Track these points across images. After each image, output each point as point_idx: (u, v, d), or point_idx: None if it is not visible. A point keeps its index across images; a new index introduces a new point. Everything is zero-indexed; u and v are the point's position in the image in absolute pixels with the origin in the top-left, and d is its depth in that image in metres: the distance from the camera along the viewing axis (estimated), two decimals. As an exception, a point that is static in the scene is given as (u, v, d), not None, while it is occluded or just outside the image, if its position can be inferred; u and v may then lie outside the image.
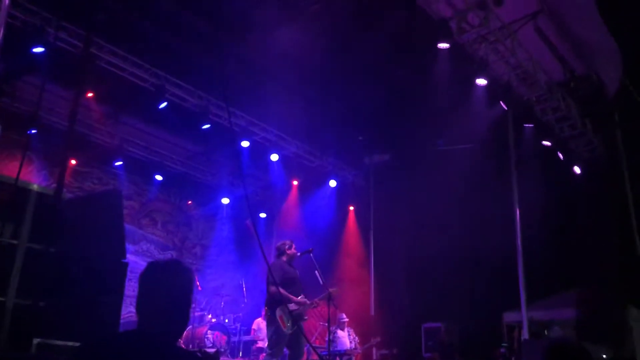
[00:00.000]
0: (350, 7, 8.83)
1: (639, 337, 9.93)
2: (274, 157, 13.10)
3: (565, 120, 11.10)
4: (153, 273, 2.30)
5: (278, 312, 6.96)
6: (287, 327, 6.93)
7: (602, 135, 11.50)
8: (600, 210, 10.68)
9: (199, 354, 8.02)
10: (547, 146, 10.83)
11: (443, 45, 8.92)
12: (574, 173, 11.11)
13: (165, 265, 2.37)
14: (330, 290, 7.40)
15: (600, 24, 9.05)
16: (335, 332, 10.89)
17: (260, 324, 11.33)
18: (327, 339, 8.29)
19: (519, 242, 10.37)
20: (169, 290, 2.25)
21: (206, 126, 11.60)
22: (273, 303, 7.04)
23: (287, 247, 7.50)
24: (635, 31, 8.86)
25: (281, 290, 6.90)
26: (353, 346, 11.25)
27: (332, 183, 14.17)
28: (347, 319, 11.42)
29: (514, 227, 10.50)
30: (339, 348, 10.75)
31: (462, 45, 9.34)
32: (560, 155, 10.95)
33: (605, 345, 9.35)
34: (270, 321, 7.07)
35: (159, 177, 13.95)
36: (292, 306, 7.04)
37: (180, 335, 2.33)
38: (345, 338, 11.12)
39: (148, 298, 2.25)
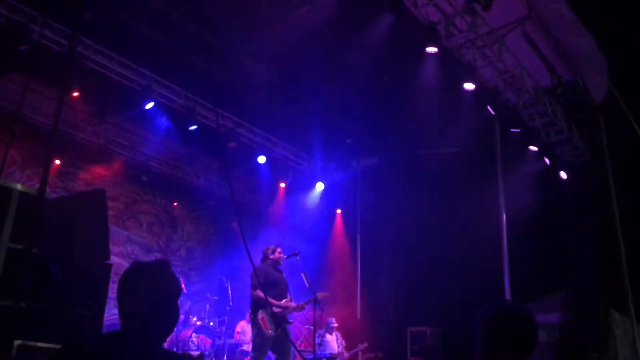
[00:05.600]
0: (338, 10, 8.82)
1: (622, 341, 10.00)
2: (261, 159, 13.06)
3: (552, 126, 11.18)
4: (136, 273, 2.24)
5: (260, 315, 6.97)
6: (269, 329, 6.91)
7: (588, 141, 11.59)
8: (586, 216, 10.75)
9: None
10: (533, 151, 10.90)
11: (431, 50, 8.95)
12: (560, 178, 11.19)
13: (149, 265, 2.31)
14: (321, 294, 7.41)
15: (586, 30, 9.13)
16: (323, 336, 10.88)
17: (244, 327, 11.28)
18: (313, 342, 8.28)
19: (504, 246, 10.40)
20: (153, 291, 2.18)
21: (193, 127, 11.53)
22: (255, 306, 7.04)
23: (270, 251, 7.50)
24: (618, 37, 8.95)
25: (261, 293, 6.89)
26: (340, 350, 11.23)
27: (320, 186, 14.15)
28: (336, 324, 11.41)
29: (500, 231, 10.53)
30: (327, 352, 10.73)
31: (450, 50, 9.36)
32: (547, 161, 11.02)
33: (590, 349, 9.40)
34: (254, 324, 7.08)
35: (144, 178, 13.84)
36: (275, 309, 7.01)
37: (165, 336, 2.27)
38: (334, 342, 11.10)
39: (131, 298, 2.19)
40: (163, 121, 11.60)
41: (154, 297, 2.18)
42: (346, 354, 11.41)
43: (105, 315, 4.29)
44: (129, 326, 2.17)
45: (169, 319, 2.24)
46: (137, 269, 2.27)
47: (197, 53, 9.64)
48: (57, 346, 3.60)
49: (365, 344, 11.65)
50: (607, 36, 9.14)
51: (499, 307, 2.66)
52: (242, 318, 11.67)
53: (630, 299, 10.22)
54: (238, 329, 11.51)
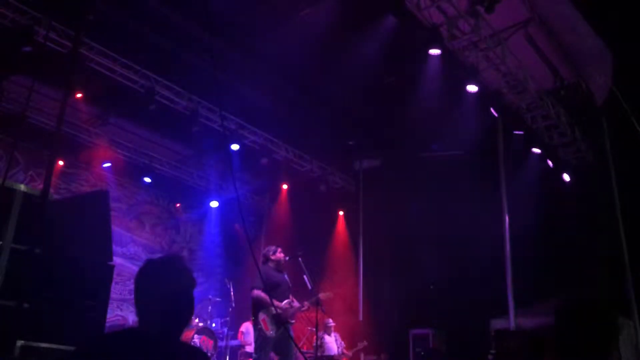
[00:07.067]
0: (340, 12, 8.83)
1: (626, 344, 9.96)
2: (264, 161, 13.00)
3: (555, 128, 11.17)
4: (151, 270, 2.29)
5: (260, 316, 6.96)
6: (270, 330, 6.91)
7: (591, 143, 11.58)
8: (589, 218, 10.72)
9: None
10: (536, 153, 10.88)
11: (434, 52, 8.95)
12: (563, 180, 11.17)
13: (162, 261, 2.35)
14: (324, 295, 7.40)
15: (589, 32, 9.12)
16: (322, 337, 10.87)
17: (248, 327, 11.27)
18: (315, 344, 8.28)
19: (507, 248, 10.39)
20: (167, 286, 2.23)
21: (196, 129, 11.55)
22: (256, 307, 7.04)
23: (271, 253, 7.48)
24: (621, 39, 8.94)
25: (262, 294, 6.90)
26: (340, 351, 11.22)
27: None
28: (333, 324, 11.40)
29: (502, 233, 10.52)
30: (326, 353, 10.72)
31: (453, 52, 9.37)
32: (550, 163, 11.00)
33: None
34: (255, 325, 7.08)
35: (147, 180, 13.86)
36: (277, 310, 7.00)
37: (182, 330, 2.34)
38: (333, 343, 11.09)
39: (147, 296, 2.23)
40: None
41: (168, 292, 2.22)
42: (347, 354, 11.40)
43: (108, 316, 4.29)
44: (146, 322, 2.21)
45: (185, 312, 2.29)
46: (150, 267, 2.31)
47: (201, 54, 9.65)
48: (60, 347, 3.61)
49: (365, 343, 11.64)
50: (609, 38, 9.12)
51: (573, 302, 2.58)
52: (245, 319, 11.67)
53: (633, 301, 10.19)
54: (242, 329, 11.51)
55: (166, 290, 2.22)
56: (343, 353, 11.30)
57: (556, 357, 2.47)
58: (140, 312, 2.23)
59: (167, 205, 15.11)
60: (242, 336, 11.37)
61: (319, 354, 10.25)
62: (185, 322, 2.31)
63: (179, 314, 2.25)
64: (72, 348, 3.64)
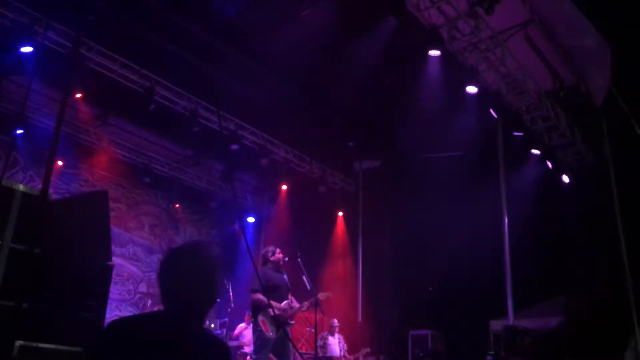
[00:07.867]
0: (340, 13, 8.82)
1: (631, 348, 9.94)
2: (264, 162, 12.97)
3: (555, 130, 11.17)
4: (171, 257, 2.32)
5: (260, 317, 6.96)
6: (270, 331, 6.91)
7: (590, 145, 11.58)
8: (588, 219, 10.73)
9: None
10: (536, 155, 10.89)
11: (434, 53, 8.94)
12: (562, 182, 11.17)
13: (186, 247, 2.39)
14: (322, 295, 7.40)
15: (589, 33, 9.12)
16: (326, 338, 10.86)
17: (242, 329, 11.28)
18: (314, 345, 8.27)
19: (506, 249, 10.38)
20: (187, 273, 2.26)
21: (195, 129, 11.54)
22: (255, 309, 7.04)
23: (270, 254, 7.46)
24: (621, 40, 8.94)
25: (261, 296, 6.91)
26: (342, 353, 11.20)
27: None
28: (338, 324, 11.39)
29: (502, 234, 10.51)
30: (329, 354, 10.70)
31: (453, 53, 9.36)
32: (549, 164, 11.00)
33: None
34: (254, 326, 7.08)
35: (146, 180, 13.85)
36: (275, 311, 7.00)
37: (203, 315, 2.36)
38: (336, 345, 11.07)
39: (167, 282, 2.27)
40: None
41: (187, 278, 2.25)
42: (348, 358, 11.38)
43: (106, 316, 4.29)
44: (167, 308, 2.26)
45: (206, 297, 2.31)
46: (171, 254, 2.34)
47: (201, 55, 9.65)
48: (59, 347, 3.61)
49: (368, 349, 11.62)
50: (609, 39, 9.12)
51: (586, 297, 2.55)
52: (242, 320, 11.68)
53: (632, 303, 10.19)
54: (236, 331, 11.51)
55: (185, 277, 2.24)
56: (344, 356, 11.28)
57: (574, 357, 2.45)
58: (162, 299, 2.27)
59: (166, 206, 15.10)
60: (237, 338, 11.38)
61: (320, 354, 10.23)
62: (207, 307, 2.33)
63: (199, 299, 2.28)
64: (71, 348, 3.64)
